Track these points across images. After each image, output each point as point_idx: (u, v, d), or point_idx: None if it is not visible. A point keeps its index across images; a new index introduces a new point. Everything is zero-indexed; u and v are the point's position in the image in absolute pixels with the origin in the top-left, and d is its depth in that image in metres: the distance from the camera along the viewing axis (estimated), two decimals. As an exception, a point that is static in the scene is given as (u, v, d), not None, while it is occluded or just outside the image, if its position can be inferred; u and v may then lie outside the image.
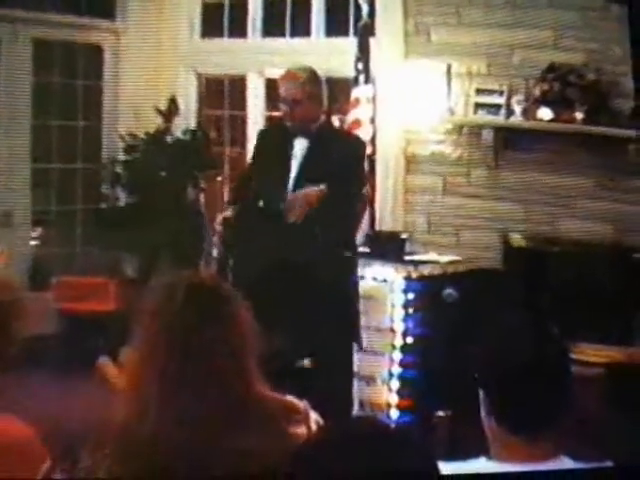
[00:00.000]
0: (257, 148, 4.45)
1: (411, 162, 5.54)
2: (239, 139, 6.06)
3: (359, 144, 4.43)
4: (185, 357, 1.84)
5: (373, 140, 5.21)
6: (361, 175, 4.43)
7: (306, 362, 4.51)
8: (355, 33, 5.37)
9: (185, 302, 1.88)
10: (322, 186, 4.09)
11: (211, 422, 1.82)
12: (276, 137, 4.33)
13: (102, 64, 5.91)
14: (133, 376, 1.91)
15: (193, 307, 1.87)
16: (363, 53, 5.17)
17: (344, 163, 4.15)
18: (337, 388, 4.07)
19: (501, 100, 5.27)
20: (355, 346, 4.29)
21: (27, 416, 2.11)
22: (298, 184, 4.16)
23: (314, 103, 4.19)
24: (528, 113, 5.18)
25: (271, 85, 5.83)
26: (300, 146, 4.21)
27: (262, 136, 4.52)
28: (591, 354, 4.69)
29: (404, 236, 4.86)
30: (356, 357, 4.45)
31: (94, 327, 5.24)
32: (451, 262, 4.75)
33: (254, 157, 4.44)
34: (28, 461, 2.03)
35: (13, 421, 2.08)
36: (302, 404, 2.08)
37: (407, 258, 4.67)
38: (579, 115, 5.03)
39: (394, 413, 4.41)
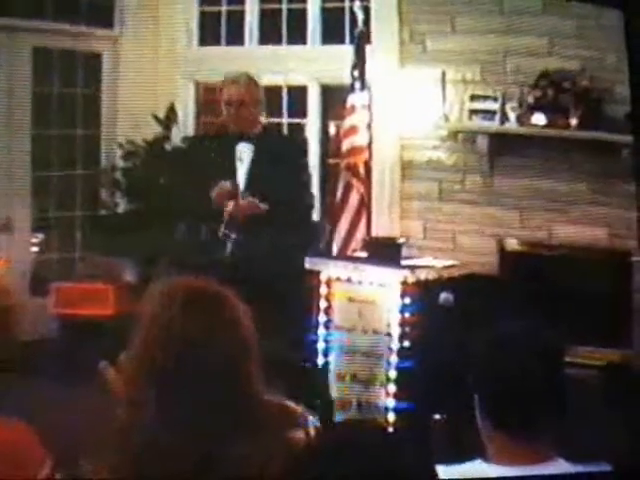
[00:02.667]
0: (197, 156, 4.55)
1: (407, 168, 5.56)
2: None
3: (301, 144, 4.57)
4: (184, 362, 1.83)
5: (369, 146, 5.23)
6: (307, 175, 4.57)
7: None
8: (351, 41, 5.39)
9: (184, 307, 1.86)
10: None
11: (210, 427, 1.81)
12: (217, 144, 4.42)
13: (101, 72, 5.92)
14: (132, 381, 1.89)
15: (192, 312, 1.86)
16: (359, 60, 5.18)
17: (289, 165, 4.29)
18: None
19: (495, 106, 5.29)
20: None
21: (27, 420, 2.12)
22: (247, 188, 4.29)
23: (256, 106, 4.29)
24: (522, 119, 5.20)
25: (269, 92, 5.86)
26: (244, 150, 4.32)
27: (199, 144, 4.62)
28: (587, 357, 4.71)
29: (400, 241, 4.88)
30: (354, 361, 4.50)
31: (93, 332, 5.24)
32: (447, 267, 4.77)
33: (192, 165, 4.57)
34: (28, 464, 2.03)
35: (12, 424, 2.09)
36: (301, 408, 2.08)
37: (403, 263, 4.68)
38: (573, 121, 5.05)
39: (391, 416, 4.42)
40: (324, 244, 5.17)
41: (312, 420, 2.04)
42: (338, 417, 4.42)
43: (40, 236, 5.86)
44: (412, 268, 4.58)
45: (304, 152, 4.66)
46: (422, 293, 4.50)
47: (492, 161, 5.32)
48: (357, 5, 5.28)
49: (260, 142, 4.38)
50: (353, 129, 5.20)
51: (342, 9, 5.70)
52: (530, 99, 5.15)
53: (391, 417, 4.42)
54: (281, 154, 4.39)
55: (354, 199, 5.17)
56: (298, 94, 5.82)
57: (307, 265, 4.61)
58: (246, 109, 4.38)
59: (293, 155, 4.50)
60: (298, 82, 5.82)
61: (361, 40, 5.23)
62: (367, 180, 5.20)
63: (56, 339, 5.49)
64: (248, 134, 4.37)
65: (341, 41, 5.66)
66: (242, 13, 5.98)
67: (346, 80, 5.25)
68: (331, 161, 5.75)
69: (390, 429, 4.27)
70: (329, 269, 4.61)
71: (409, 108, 5.44)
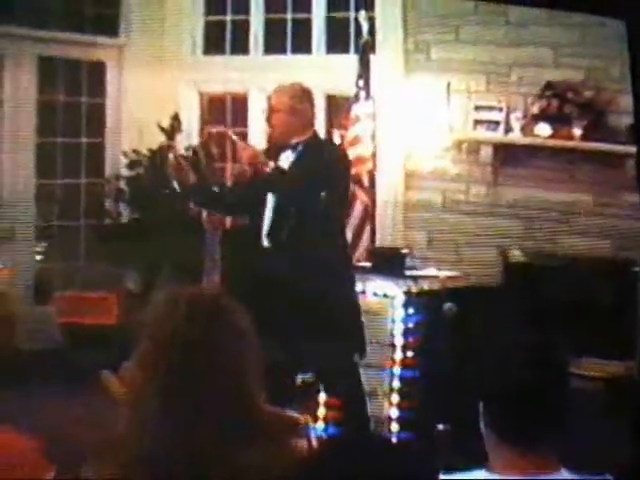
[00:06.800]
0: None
1: (411, 178, 5.57)
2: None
3: (343, 155, 4.48)
4: (186, 371, 1.83)
5: (373, 156, 5.24)
6: (346, 184, 4.45)
7: (307, 377, 4.52)
8: (356, 50, 5.40)
9: (187, 316, 1.86)
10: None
11: (211, 436, 1.81)
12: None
13: (105, 81, 5.93)
14: (135, 390, 1.90)
15: (195, 321, 1.85)
16: (364, 70, 5.19)
17: (328, 173, 4.16)
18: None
19: (500, 117, 5.30)
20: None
21: (30, 429, 2.11)
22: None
23: (299, 117, 4.22)
24: (526, 129, 5.21)
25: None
26: (286, 158, 4.22)
27: None
28: (590, 368, 4.70)
29: (404, 251, 4.88)
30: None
31: (96, 341, 5.24)
32: (451, 277, 4.77)
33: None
34: (31, 474, 2.03)
35: (16, 434, 2.09)
36: (303, 418, 2.07)
37: (407, 273, 4.68)
38: (577, 131, 5.06)
39: (395, 427, 4.41)
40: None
41: (315, 430, 2.03)
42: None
43: (44, 245, 5.86)
44: (416, 278, 4.58)
45: (345, 164, 4.49)
46: (425, 303, 4.50)
47: (496, 171, 5.33)
48: (362, 15, 5.30)
49: (302, 151, 4.23)
50: (357, 139, 5.21)
51: (347, 19, 5.71)
52: (535, 109, 5.16)
53: (395, 427, 4.41)
54: (320, 163, 4.24)
55: (358, 209, 5.18)
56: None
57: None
58: (285, 117, 4.26)
59: (333, 165, 4.33)
60: (303, 92, 5.82)
61: (366, 50, 5.25)
62: (371, 190, 5.21)
63: (59, 348, 5.48)
64: (289, 144, 4.25)
65: (346, 51, 5.67)
66: (247, 22, 6.00)
67: (350, 90, 5.27)
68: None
69: (394, 439, 4.26)
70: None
71: (413, 118, 5.44)
